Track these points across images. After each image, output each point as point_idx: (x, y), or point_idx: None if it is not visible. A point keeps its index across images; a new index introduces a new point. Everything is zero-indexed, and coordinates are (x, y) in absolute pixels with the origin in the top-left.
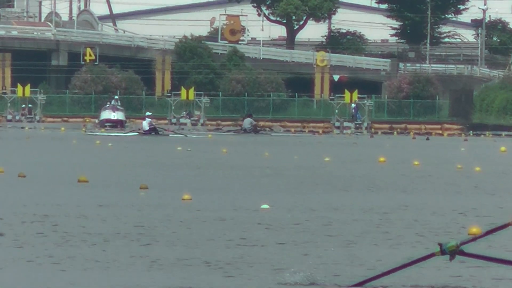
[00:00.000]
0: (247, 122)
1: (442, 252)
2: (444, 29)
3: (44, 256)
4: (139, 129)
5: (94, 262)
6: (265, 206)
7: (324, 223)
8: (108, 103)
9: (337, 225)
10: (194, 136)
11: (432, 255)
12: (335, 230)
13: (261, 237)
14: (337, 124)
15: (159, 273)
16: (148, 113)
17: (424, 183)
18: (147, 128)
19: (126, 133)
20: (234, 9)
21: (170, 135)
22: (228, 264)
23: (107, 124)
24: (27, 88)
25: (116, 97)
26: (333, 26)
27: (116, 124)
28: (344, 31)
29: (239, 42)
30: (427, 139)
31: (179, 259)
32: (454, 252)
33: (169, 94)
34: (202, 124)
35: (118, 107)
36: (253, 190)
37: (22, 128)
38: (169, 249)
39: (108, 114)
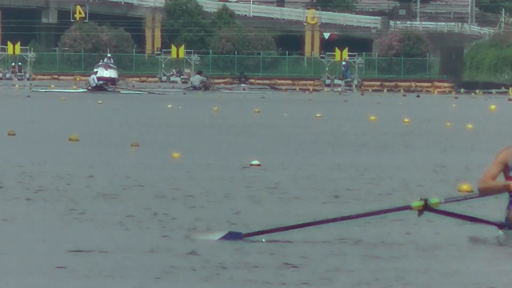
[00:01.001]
0: (197, 79)
1: (425, 206)
2: None
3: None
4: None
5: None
6: (255, 162)
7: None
8: (101, 61)
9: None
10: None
11: (408, 207)
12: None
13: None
14: (327, 82)
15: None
16: (95, 69)
17: (413, 140)
18: (94, 84)
19: (76, 89)
20: None
21: (122, 91)
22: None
23: (100, 82)
24: (17, 46)
25: (109, 55)
26: None
27: (109, 82)
28: None
29: (229, 0)
30: (418, 96)
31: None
32: (431, 208)
33: (159, 52)
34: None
35: (111, 65)
36: (243, 148)
37: (13, 85)
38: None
39: (101, 72)
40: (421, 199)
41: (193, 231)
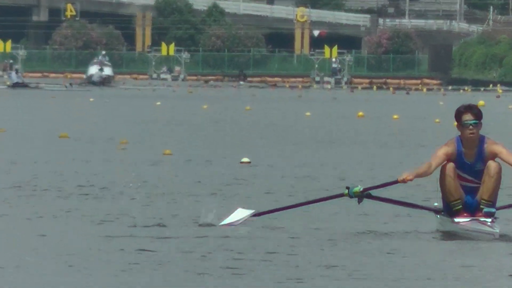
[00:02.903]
0: (97, 75)
1: (349, 195)
2: None
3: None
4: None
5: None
6: (245, 159)
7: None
8: (96, 58)
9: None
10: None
11: (341, 195)
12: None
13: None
14: (317, 79)
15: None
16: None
17: (401, 136)
18: (16, 80)
19: None
20: None
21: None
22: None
23: (94, 79)
24: (8, 44)
25: (103, 52)
26: None
27: (104, 80)
28: None
29: None
30: (407, 93)
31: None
32: (359, 195)
33: (150, 50)
34: (183, 80)
35: (106, 62)
36: (234, 144)
37: (3, 83)
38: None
39: (95, 70)
40: (346, 187)
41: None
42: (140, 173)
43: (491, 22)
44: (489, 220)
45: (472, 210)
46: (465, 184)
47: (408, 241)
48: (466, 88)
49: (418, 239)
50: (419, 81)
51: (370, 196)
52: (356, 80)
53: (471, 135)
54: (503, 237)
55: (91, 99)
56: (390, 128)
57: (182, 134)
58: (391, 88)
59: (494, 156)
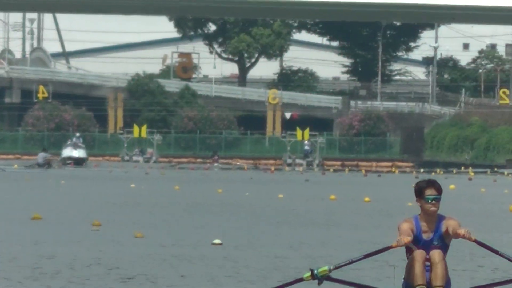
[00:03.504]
0: (41, 157)
1: (313, 276)
2: (396, 66)
3: None
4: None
5: None
6: (217, 241)
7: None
8: (69, 140)
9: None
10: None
11: (300, 279)
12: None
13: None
14: (289, 161)
15: None
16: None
17: (372, 218)
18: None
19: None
20: (186, 47)
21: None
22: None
23: (69, 161)
24: None
25: (78, 134)
26: (285, 64)
27: (78, 161)
28: (296, 68)
29: (191, 79)
30: (379, 176)
31: None
32: (323, 277)
33: (122, 131)
34: (155, 161)
35: (80, 144)
36: (206, 226)
37: None
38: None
39: (69, 152)
40: (310, 269)
41: None
42: (110, 255)
43: (463, 105)
44: None
45: (430, 284)
46: (425, 263)
47: None
48: (438, 170)
49: None
50: (390, 164)
51: (331, 278)
52: (328, 162)
53: (433, 209)
54: None
55: (62, 182)
56: (361, 210)
57: (154, 216)
58: (363, 171)
59: (446, 227)
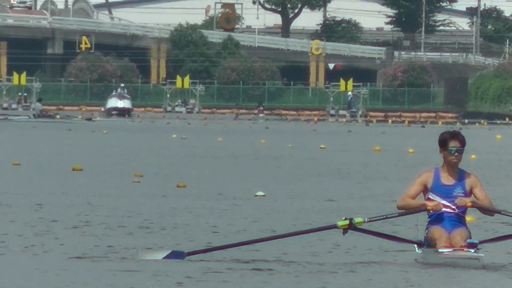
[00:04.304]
0: (37, 107)
1: (350, 225)
2: (439, 17)
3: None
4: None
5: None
6: (260, 193)
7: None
8: (114, 91)
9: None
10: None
11: (334, 226)
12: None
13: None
14: (332, 112)
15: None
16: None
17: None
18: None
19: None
20: None
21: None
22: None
23: (114, 112)
24: (23, 76)
25: (122, 85)
26: (328, 14)
27: (123, 112)
28: (339, 19)
29: (234, 30)
30: (423, 127)
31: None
32: (355, 227)
33: (164, 82)
34: (197, 112)
35: (125, 95)
36: (248, 177)
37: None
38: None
39: (114, 102)
40: (345, 219)
41: (137, 251)
42: (151, 204)
43: (507, 56)
44: (472, 250)
45: (452, 241)
46: (445, 210)
47: (392, 272)
48: (482, 121)
49: (403, 271)
50: (434, 115)
51: (355, 228)
52: (371, 113)
53: (455, 161)
54: (488, 266)
55: (104, 131)
56: (405, 161)
57: (197, 167)
58: (406, 121)
59: (471, 185)
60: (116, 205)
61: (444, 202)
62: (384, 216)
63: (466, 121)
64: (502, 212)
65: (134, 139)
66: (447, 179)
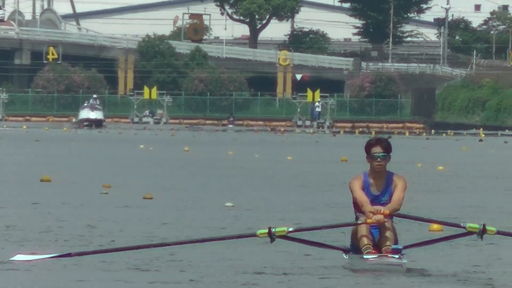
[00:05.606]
0: None
1: (270, 234)
2: (407, 28)
3: None
4: None
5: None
6: (229, 203)
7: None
8: (86, 102)
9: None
10: None
11: (254, 234)
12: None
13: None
14: (299, 123)
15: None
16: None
17: None
18: None
19: None
20: (197, 8)
21: None
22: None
23: (86, 123)
24: None
25: (94, 95)
26: (296, 25)
27: (96, 123)
28: (307, 30)
29: (202, 41)
30: (389, 137)
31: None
32: (279, 237)
33: (132, 93)
34: (165, 123)
35: (97, 106)
36: (216, 188)
37: None
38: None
39: (87, 113)
40: (268, 227)
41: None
42: (118, 217)
43: (474, 66)
44: (397, 256)
45: (379, 246)
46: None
47: (317, 278)
48: (449, 132)
49: (328, 276)
50: (401, 125)
51: (281, 236)
52: (338, 124)
53: (379, 166)
54: (410, 271)
55: (73, 143)
56: None
57: (165, 178)
58: (373, 132)
59: (395, 188)
60: (84, 215)
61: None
62: (312, 227)
63: (433, 131)
64: (413, 217)
65: (101, 149)
66: (375, 188)
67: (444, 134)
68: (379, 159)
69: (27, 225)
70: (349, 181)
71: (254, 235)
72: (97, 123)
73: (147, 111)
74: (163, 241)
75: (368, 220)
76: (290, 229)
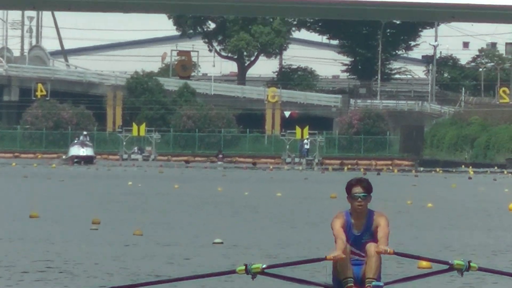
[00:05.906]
0: None
1: (246, 271)
2: (395, 65)
3: None
4: None
5: None
6: (218, 240)
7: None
8: (77, 138)
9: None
10: None
11: (233, 271)
12: None
13: None
14: (288, 160)
15: None
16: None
17: None
18: None
19: None
20: (185, 45)
21: None
22: None
23: (76, 160)
24: None
25: (85, 132)
26: (284, 62)
27: (85, 160)
28: (295, 67)
29: (191, 78)
30: (378, 174)
31: None
32: (256, 273)
33: (121, 130)
34: (153, 160)
35: (87, 142)
36: (206, 225)
37: None
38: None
39: (77, 150)
40: (244, 264)
41: None
42: (108, 254)
43: (462, 104)
44: None
45: (360, 283)
46: (352, 257)
47: None
48: (437, 169)
49: None
50: (390, 162)
51: (263, 273)
52: (327, 161)
53: (359, 207)
54: None
55: (62, 180)
56: None
57: (153, 214)
58: (362, 169)
59: (376, 226)
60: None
61: (353, 249)
62: (284, 263)
63: (422, 169)
64: (401, 254)
65: (91, 186)
66: (356, 228)
67: (433, 172)
68: (359, 199)
69: (13, 261)
70: (332, 218)
71: (233, 271)
72: (88, 160)
73: (135, 148)
74: (142, 280)
75: (328, 256)
76: (264, 265)
